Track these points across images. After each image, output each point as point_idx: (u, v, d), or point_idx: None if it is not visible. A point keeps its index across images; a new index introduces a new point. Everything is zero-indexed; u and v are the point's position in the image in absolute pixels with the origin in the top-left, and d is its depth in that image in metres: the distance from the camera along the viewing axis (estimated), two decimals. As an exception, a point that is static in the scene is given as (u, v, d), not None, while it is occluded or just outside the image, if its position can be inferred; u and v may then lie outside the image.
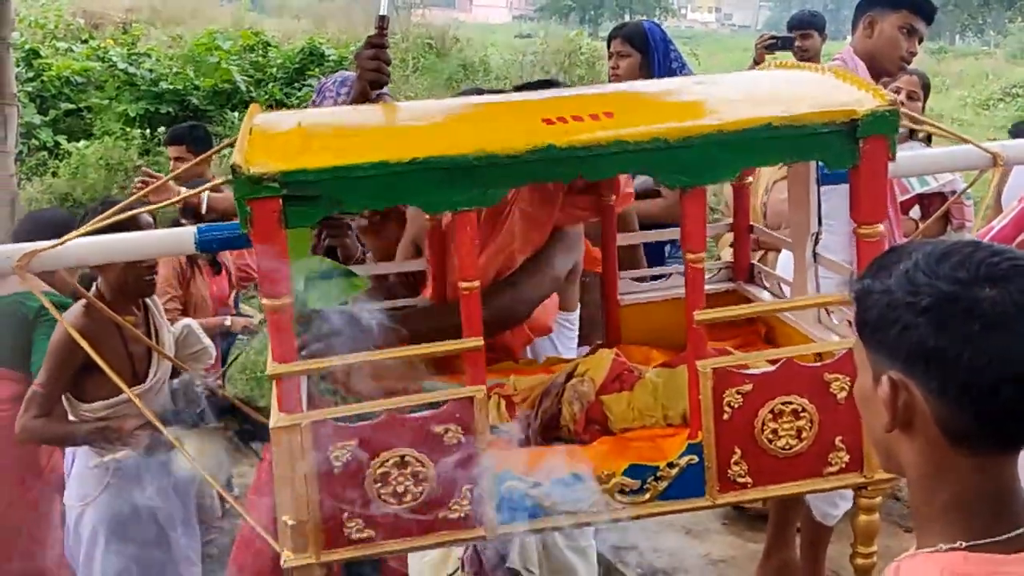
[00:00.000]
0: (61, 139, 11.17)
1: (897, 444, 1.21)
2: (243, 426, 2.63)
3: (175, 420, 2.61)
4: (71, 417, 2.96)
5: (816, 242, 2.38)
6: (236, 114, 11.52)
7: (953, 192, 4.38)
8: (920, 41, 3.60)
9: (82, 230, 2.07)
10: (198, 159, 3.79)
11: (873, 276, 1.20)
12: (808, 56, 5.64)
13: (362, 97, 2.56)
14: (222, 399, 2.64)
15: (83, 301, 2.82)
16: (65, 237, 2.03)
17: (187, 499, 3.11)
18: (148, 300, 3.02)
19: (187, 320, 3.23)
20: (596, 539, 2.76)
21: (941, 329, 1.11)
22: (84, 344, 2.16)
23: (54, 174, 10.37)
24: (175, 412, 2.70)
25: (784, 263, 3.17)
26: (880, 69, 3.59)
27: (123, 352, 2.78)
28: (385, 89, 2.63)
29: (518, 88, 2.93)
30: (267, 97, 11.92)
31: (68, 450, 3.19)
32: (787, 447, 1.97)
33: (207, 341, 3.17)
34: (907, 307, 1.13)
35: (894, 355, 1.16)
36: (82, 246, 2.09)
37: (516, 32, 26.08)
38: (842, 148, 1.91)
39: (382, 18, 2.49)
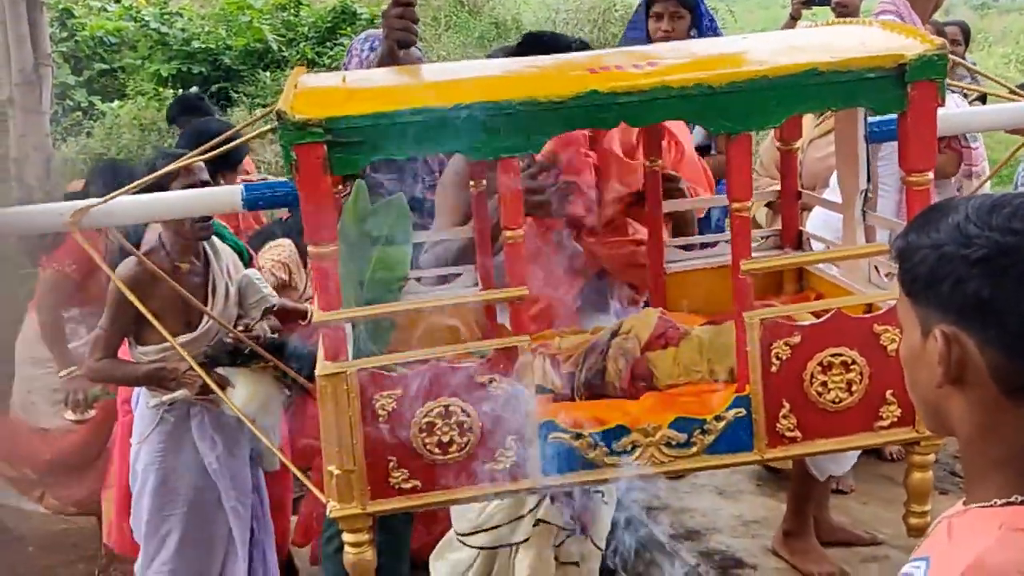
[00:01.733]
0: (95, 99, 11.23)
1: (947, 401, 1.19)
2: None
3: (225, 362, 2.64)
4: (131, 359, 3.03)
5: (865, 200, 2.33)
6: (268, 74, 11.51)
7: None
8: None
9: (128, 187, 2.07)
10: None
11: (919, 231, 1.18)
12: (847, 12, 5.52)
13: (390, 56, 2.52)
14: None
15: (153, 242, 2.90)
16: (113, 194, 2.03)
17: (236, 447, 3.12)
18: (208, 248, 3.05)
19: (248, 270, 3.24)
20: (627, 498, 2.77)
21: (998, 279, 1.10)
22: (129, 295, 2.17)
23: (88, 134, 10.44)
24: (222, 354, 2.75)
25: (814, 222, 3.10)
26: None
27: (176, 299, 2.80)
28: (416, 49, 2.60)
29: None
30: (299, 56, 11.89)
31: (136, 389, 3.25)
32: (837, 400, 1.94)
33: (266, 291, 3.18)
34: (960, 259, 1.12)
35: (946, 309, 1.14)
36: (131, 203, 2.10)
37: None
38: (890, 93, 1.88)
39: None
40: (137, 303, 2.13)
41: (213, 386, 2.15)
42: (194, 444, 3.05)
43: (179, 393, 2.96)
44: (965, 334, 1.13)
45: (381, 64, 2.53)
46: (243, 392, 2.57)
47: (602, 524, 2.76)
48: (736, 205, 1.88)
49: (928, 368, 1.18)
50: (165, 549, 3.09)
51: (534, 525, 2.63)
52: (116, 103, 10.84)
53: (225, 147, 2.47)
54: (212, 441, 3.05)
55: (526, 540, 2.67)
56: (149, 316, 2.12)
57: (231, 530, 3.13)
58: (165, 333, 2.12)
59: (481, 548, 2.73)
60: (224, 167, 3.74)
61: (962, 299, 1.12)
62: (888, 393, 1.96)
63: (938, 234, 1.15)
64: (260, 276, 3.23)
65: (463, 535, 2.74)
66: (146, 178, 2.13)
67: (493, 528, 2.68)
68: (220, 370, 2.78)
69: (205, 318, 2.92)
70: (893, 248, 1.24)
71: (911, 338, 1.22)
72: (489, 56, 5.59)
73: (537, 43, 2.60)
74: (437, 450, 1.84)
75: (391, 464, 1.84)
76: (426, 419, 1.82)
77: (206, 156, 2.07)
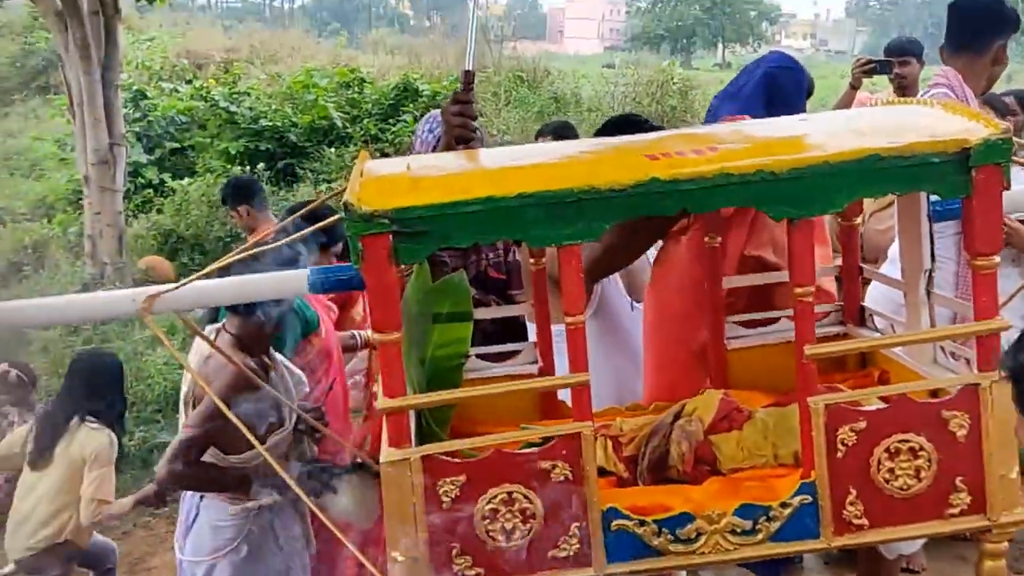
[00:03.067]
0: (166, 177, 11.55)
1: None
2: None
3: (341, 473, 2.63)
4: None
5: (930, 280, 2.31)
6: (332, 150, 11.76)
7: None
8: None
9: (200, 273, 2.12)
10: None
11: None
12: (906, 83, 5.53)
13: (449, 150, 2.59)
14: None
15: (228, 340, 2.85)
16: (184, 281, 2.09)
17: (307, 534, 3.13)
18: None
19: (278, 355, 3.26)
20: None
21: None
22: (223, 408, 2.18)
23: (159, 211, 10.71)
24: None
25: (873, 294, 3.07)
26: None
27: (267, 397, 2.78)
28: (477, 130, 2.65)
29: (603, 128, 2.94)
30: (362, 133, 12.15)
31: (188, 503, 3.13)
32: (905, 487, 1.91)
33: (298, 371, 3.20)
34: None
35: None
36: (200, 289, 2.14)
37: (607, 62, 26.17)
38: (954, 178, 1.87)
39: (467, 73, 2.51)
40: (230, 414, 2.13)
41: (304, 497, 2.13)
42: (276, 539, 2.99)
43: (267, 499, 2.93)
44: None
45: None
46: (347, 499, 2.56)
47: None
48: (799, 290, 1.88)
49: None
50: None
51: None
52: (186, 180, 11.13)
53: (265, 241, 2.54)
54: (295, 532, 3.04)
55: None
56: (244, 429, 2.10)
57: None
58: (254, 440, 2.10)
59: None
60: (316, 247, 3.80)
61: None
62: (958, 480, 1.92)
63: None
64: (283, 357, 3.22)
65: None
66: (224, 260, 2.16)
67: None
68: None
69: (288, 413, 2.90)
70: (1003, 367, 1.22)
71: None
72: (539, 133, 5.69)
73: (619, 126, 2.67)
74: (500, 537, 1.84)
75: (454, 551, 1.84)
76: (489, 506, 1.83)
77: (295, 238, 2.11)
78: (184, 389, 3.09)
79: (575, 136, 5.45)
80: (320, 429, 2.63)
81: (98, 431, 4.22)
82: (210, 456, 2.89)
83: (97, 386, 4.27)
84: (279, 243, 2.18)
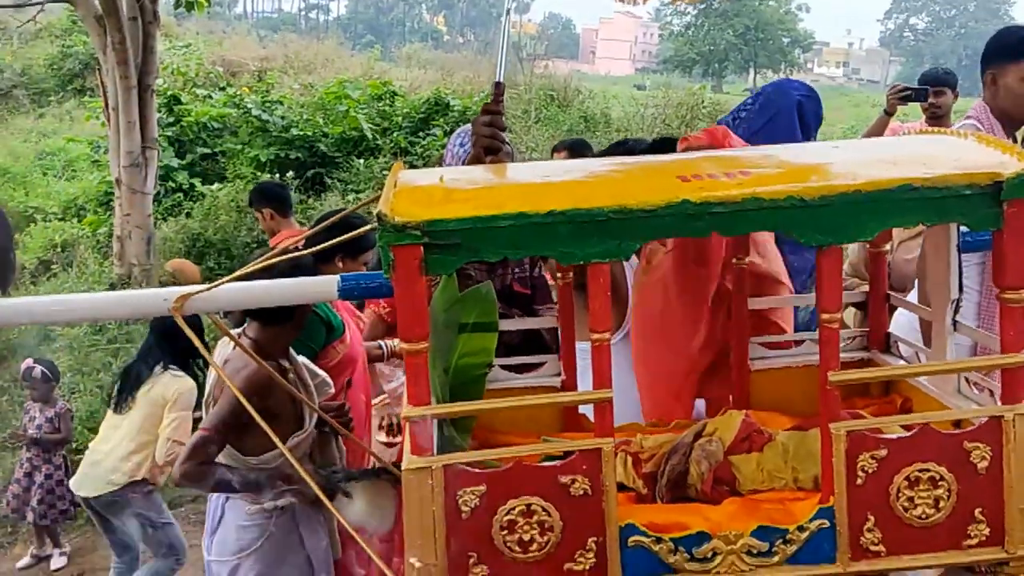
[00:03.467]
0: (196, 182, 11.68)
1: None
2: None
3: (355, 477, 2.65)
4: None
5: (956, 310, 2.32)
6: (362, 161, 11.85)
7: None
8: None
9: (233, 275, 2.16)
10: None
11: None
12: (940, 114, 5.54)
13: (477, 163, 2.61)
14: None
15: (248, 344, 2.89)
16: (217, 282, 2.12)
17: (333, 538, 3.15)
18: None
19: (300, 357, 3.30)
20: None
21: None
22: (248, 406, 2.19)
23: (188, 215, 10.83)
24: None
25: (899, 320, 3.07)
26: (1016, 121, 3.51)
27: (287, 399, 2.80)
28: (506, 143, 2.68)
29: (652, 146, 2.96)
30: (392, 145, 12.23)
31: (213, 504, 3.19)
32: (923, 516, 1.91)
33: (322, 373, 3.24)
34: None
35: None
36: (232, 291, 2.18)
37: (638, 84, 26.20)
38: (985, 211, 1.87)
39: (497, 85, 2.53)
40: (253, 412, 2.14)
41: (324, 498, 2.15)
42: (300, 542, 3.02)
43: (283, 500, 2.94)
44: None
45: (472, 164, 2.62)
46: (362, 505, 2.59)
47: None
48: (826, 316, 1.88)
49: None
50: None
51: None
52: (216, 185, 11.26)
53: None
54: (318, 534, 3.06)
55: None
56: (267, 429, 2.11)
57: None
58: (276, 439, 2.11)
59: None
60: (347, 254, 3.84)
61: None
62: (977, 511, 1.92)
63: None
64: (307, 360, 3.26)
65: None
66: (256, 264, 2.20)
67: None
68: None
69: (308, 415, 2.94)
70: None
71: None
72: (555, 148, 5.71)
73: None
74: (518, 548, 1.85)
75: (472, 560, 1.85)
76: (508, 517, 1.84)
77: (324, 247, 2.14)
78: (207, 391, 3.14)
79: (591, 153, 5.48)
80: (341, 431, 2.65)
81: (181, 378, 4.37)
82: (228, 458, 2.92)
83: (179, 343, 4.37)
84: (310, 251, 2.21)
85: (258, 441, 2.81)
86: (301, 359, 3.18)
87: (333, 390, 3.29)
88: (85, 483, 4.53)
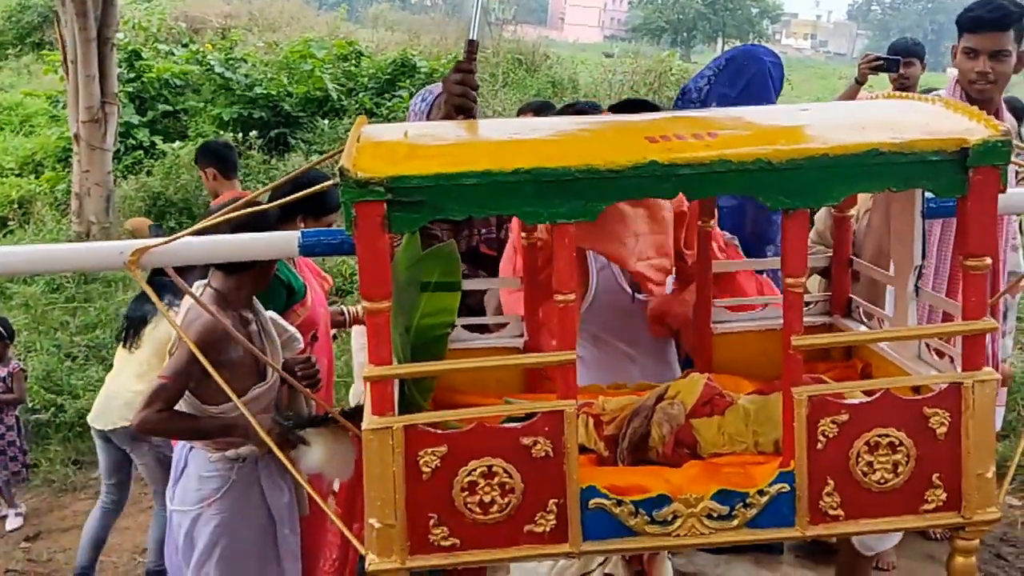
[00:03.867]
0: (157, 139, 11.48)
1: None
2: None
3: (306, 425, 2.63)
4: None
5: (919, 276, 2.32)
6: (326, 121, 11.71)
7: None
8: (996, 57, 3.42)
9: (190, 230, 2.12)
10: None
11: None
12: (908, 85, 5.54)
13: (449, 121, 2.57)
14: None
15: (210, 294, 2.87)
16: (174, 236, 2.08)
17: (298, 491, 3.12)
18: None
19: (271, 312, 3.25)
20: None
21: None
22: (200, 357, 2.19)
23: (148, 173, 10.66)
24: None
25: None
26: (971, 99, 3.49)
27: (246, 350, 2.77)
28: (477, 101, 2.64)
29: (613, 108, 2.94)
30: (357, 106, 12.08)
31: (177, 454, 3.15)
32: (882, 481, 1.92)
33: (292, 328, 3.20)
34: None
35: None
36: (190, 245, 2.14)
37: (606, 51, 26.11)
38: (951, 177, 1.86)
39: (470, 43, 2.49)
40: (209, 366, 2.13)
41: (276, 450, 2.13)
42: (261, 494, 3.00)
43: (245, 449, 2.92)
44: None
45: None
46: (320, 452, 2.56)
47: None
48: (790, 280, 1.88)
49: None
50: None
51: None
52: (177, 144, 11.07)
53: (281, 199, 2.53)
54: (280, 488, 3.04)
55: None
56: (218, 378, 2.11)
57: (282, 572, 3.12)
58: (232, 395, 2.11)
59: None
60: (310, 214, 3.77)
61: None
62: (934, 477, 1.93)
63: None
64: (277, 315, 3.22)
65: None
66: (211, 219, 2.16)
67: None
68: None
69: (271, 368, 2.91)
70: None
71: None
72: (520, 110, 5.65)
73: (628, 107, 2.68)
74: (478, 510, 1.84)
75: (432, 521, 1.84)
76: (468, 478, 1.83)
77: (286, 201, 2.10)
78: (172, 338, 3.10)
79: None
80: (299, 388, 2.63)
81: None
82: (189, 407, 2.90)
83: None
84: (272, 205, 2.17)
85: (218, 390, 2.76)
86: (270, 314, 3.15)
87: (302, 345, 3.25)
88: (101, 416, 4.51)
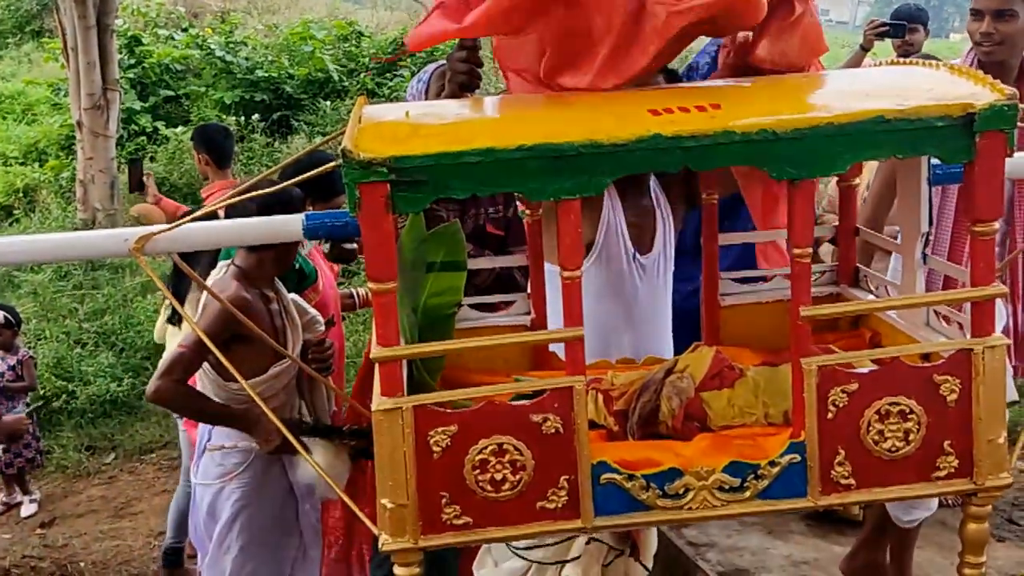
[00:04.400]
0: (160, 125, 11.46)
1: None
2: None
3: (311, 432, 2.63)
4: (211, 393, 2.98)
5: (926, 243, 2.31)
6: (328, 103, 11.68)
7: None
8: (1001, 17, 3.36)
9: (194, 215, 2.11)
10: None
11: None
12: (911, 51, 5.51)
13: (452, 99, 2.56)
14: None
15: (233, 271, 2.89)
16: (179, 222, 2.07)
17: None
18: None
19: (291, 294, 3.27)
20: (675, 534, 2.73)
21: None
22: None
23: (152, 159, 10.65)
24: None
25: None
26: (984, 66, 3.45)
27: (271, 327, 2.78)
28: (480, 79, 2.63)
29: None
30: (359, 87, 12.04)
31: (201, 428, 3.18)
32: (893, 449, 1.91)
33: (313, 311, 3.21)
34: None
35: None
36: (195, 230, 2.14)
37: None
38: (957, 143, 1.85)
39: None
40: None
41: (285, 431, 2.13)
42: (283, 470, 3.03)
43: (244, 444, 2.95)
44: None
45: None
46: (319, 462, 2.57)
47: (651, 545, 2.75)
48: (797, 251, 1.87)
49: None
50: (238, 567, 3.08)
51: (587, 543, 2.62)
52: (180, 129, 11.05)
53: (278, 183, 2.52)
54: (301, 464, 3.05)
55: (577, 557, 2.65)
56: (227, 363, 2.12)
57: (303, 545, 3.14)
58: (243, 382, 2.12)
59: (537, 562, 2.72)
60: (318, 197, 3.75)
61: None
62: (946, 444, 1.93)
63: None
64: (299, 298, 3.23)
65: (521, 548, 2.73)
66: (215, 203, 2.16)
67: (551, 544, 2.67)
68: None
69: (291, 346, 2.92)
70: None
71: None
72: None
73: None
74: (490, 487, 1.84)
75: (444, 500, 1.84)
76: (479, 456, 1.83)
77: (294, 181, 2.09)
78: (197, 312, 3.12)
79: None
80: (312, 373, 2.64)
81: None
82: (211, 382, 2.91)
83: (217, 254, 4.36)
84: (276, 188, 2.17)
85: (239, 365, 2.78)
86: (292, 296, 3.16)
87: (323, 328, 3.27)
88: None
